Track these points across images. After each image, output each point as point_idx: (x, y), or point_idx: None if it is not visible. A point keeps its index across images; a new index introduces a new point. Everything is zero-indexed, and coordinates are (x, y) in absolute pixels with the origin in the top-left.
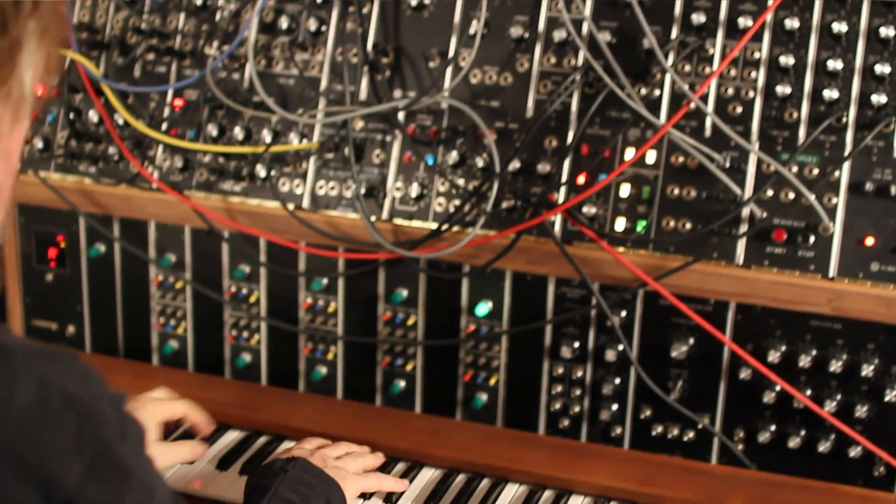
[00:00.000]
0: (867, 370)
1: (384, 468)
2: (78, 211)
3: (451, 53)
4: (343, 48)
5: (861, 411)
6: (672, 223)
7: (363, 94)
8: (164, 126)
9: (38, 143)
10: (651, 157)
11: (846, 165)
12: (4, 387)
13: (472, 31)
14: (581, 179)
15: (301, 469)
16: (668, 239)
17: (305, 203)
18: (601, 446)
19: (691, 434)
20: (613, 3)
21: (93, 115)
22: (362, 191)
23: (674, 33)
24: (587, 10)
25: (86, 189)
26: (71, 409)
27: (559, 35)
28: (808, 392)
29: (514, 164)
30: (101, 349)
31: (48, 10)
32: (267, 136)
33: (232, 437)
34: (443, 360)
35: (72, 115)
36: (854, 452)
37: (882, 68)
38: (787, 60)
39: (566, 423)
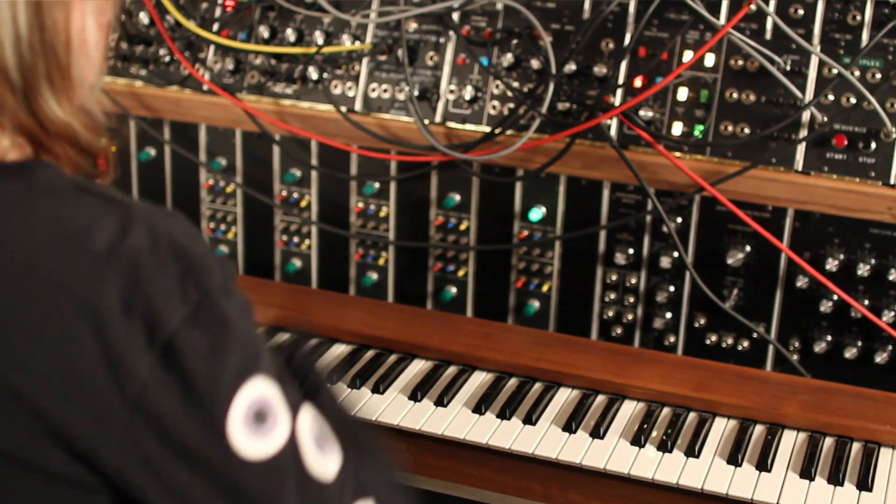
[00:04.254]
0: None
1: (435, 371)
2: (129, 114)
3: None
4: None
5: None
6: (730, 128)
7: None
8: (216, 27)
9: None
10: (710, 59)
11: None
12: (118, 230)
13: None
14: (638, 82)
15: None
16: (726, 143)
17: (358, 106)
18: (655, 352)
19: (746, 343)
20: None
21: (143, 17)
22: (415, 93)
23: None
24: None
25: (136, 92)
26: (178, 257)
27: None
28: (866, 302)
29: (570, 67)
30: None
31: None
32: (319, 37)
33: (282, 339)
34: (495, 266)
35: (122, 17)
36: None
37: None
38: None
39: (619, 330)
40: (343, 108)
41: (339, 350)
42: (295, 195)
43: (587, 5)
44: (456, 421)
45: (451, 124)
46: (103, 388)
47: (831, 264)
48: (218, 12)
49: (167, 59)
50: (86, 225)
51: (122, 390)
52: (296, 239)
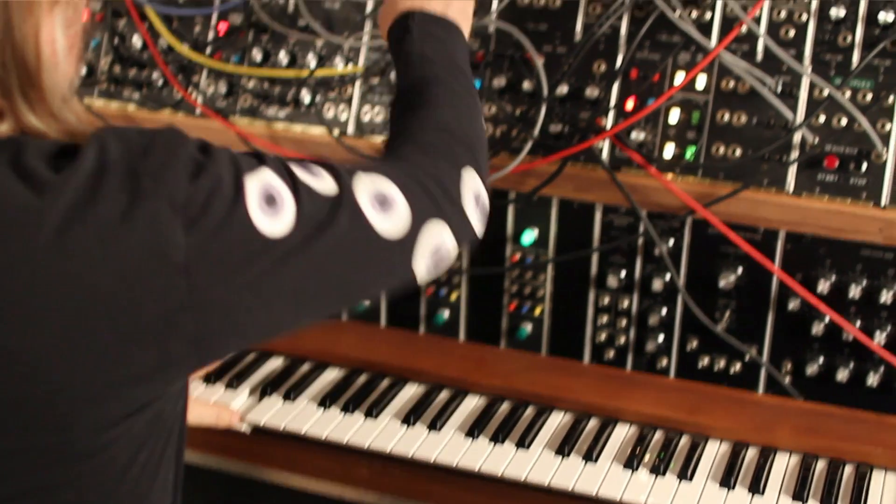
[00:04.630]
0: None
1: (428, 396)
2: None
3: None
4: None
5: None
6: (722, 149)
7: None
8: (209, 50)
9: (82, 70)
10: (701, 81)
11: None
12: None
13: None
14: (630, 104)
15: (422, 22)
16: (718, 165)
17: (350, 129)
18: (647, 375)
19: (738, 366)
20: None
21: (136, 41)
22: None
23: None
24: None
25: (129, 115)
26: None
27: None
28: (858, 323)
29: (562, 89)
30: None
31: None
32: (312, 60)
33: (275, 364)
34: (487, 290)
35: (115, 41)
36: None
37: None
38: None
39: (611, 353)
40: (336, 131)
41: (332, 375)
42: None
43: (579, 28)
44: (449, 446)
45: None
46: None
47: (823, 286)
48: (211, 35)
49: (160, 82)
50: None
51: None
52: None
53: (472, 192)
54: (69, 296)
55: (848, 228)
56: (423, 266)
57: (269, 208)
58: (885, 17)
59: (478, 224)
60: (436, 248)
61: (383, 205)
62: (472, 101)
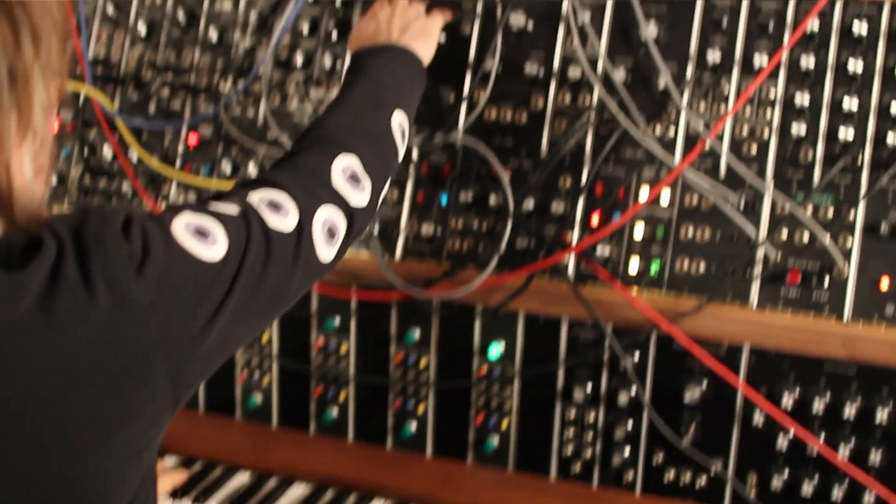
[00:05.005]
0: (882, 416)
1: None
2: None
3: (465, 91)
4: None
5: (875, 457)
6: (686, 264)
7: None
8: (179, 163)
9: (52, 179)
10: (665, 197)
11: (861, 206)
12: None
13: (487, 68)
14: (595, 219)
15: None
16: (682, 280)
17: None
18: (613, 493)
19: (704, 480)
20: (628, 41)
21: (107, 151)
22: (376, 230)
23: (689, 71)
24: (602, 47)
25: None
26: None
27: (574, 73)
28: (822, 437)
29: (529, 204)
30: None
31: (45, 31)
32: None
33: (241, 480)
34: (455, 403)
35: (86, 151)
36: (869, 499)
37: None
38: (802, 99)
39: (578, 467)
40: None
41: (298, 491)
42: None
43: (545, 143)
44: None
45: (411, 260)
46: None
47: (787, 400)
48: (181, 148)
49: (130, 193)
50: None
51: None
52: (257, 374)
53: (341, 171)
54: (54, 354)
55: (811, 343)
56: (321, 244)
57: (203, 239)
58: (845, 134)
59: (352, 194)
60: (325, 226)
61: (276, 207)
62: (380, 116)
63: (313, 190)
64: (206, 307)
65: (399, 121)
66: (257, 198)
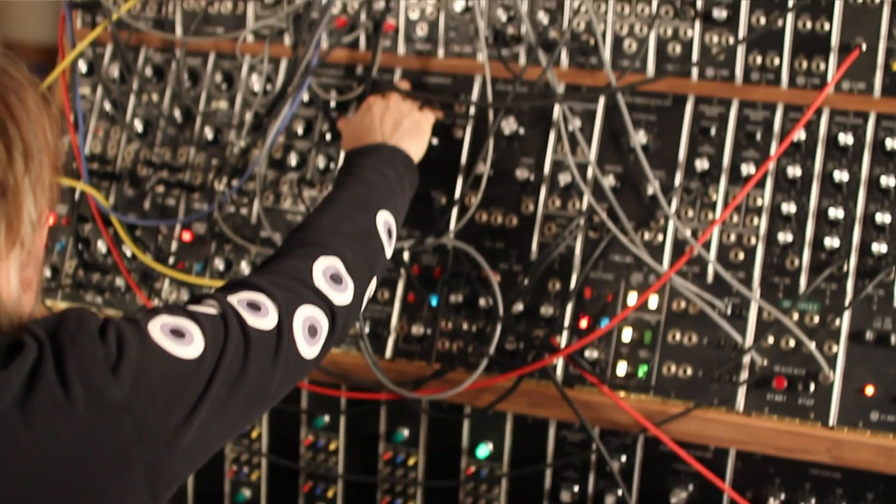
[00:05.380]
0: None
1: None
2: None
3: (457, 194)
4: None
5: None
6: (673, 368)
7: None
8: (172, 260)
9: (46, 272)
10: (653, 301)
11: (847, 314)
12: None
13: (478, 172)
14: (583, 323)
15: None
16: (669, 384)
17: None
18: None
19: None
20: (618, 148)
21: (101, 246)
22: (366, 330)
23: (677, 179)
24: (592, 154)
25: None
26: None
27: (564, 178)
28: None
29: (518, 307)
30: None
31: (36, 150)
32: None
33: None
34: (442, 502)
35: (80, 245)
36: None
37: (883, 217)
38: (788, 208)
39: None
40: None
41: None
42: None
43: (535, 246)
44: None
45: (401, 360)
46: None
47: None
48: (174, 245)
49: (123, 288)
50: None
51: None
52: (245, 469)
53: (321, 272)
54: (31, 452)
55: (797, 448)
56: (303, 342)
57: (179, 338)
58: (830, 242)
59: (334, 293)
60: (306, 324)
61: (255, 308)
62: (364, 216)
63: (294, 289)
64: (182, 404)
65: (385, 220)
66: (236, 299)
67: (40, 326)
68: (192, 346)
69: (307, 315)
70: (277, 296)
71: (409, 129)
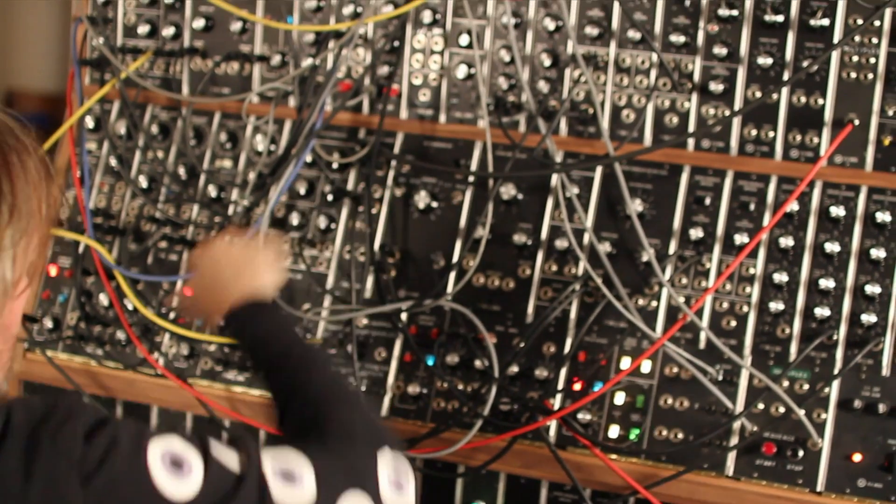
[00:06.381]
0: None
1: None
2: (82, 392)
3: (455, 257)
4: (351, 247)
5: None
6: (664, 432)
7: (368, 293)
8: (173, 314)
9: (48, 323)
10: (646, 366)
11: (836, 383)
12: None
13: (477, 235)
14: (577, 386)
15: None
16: (661, 448)
17: None
18: None
19: None
20: (614, 215)
21: (103, 299)
22: (363, 388)
23: (672, 247)
24: (588, 220)
25: (91, 370)
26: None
27: (561, 244)
28: None
29: (513, 369)
30: None
31: (25, 212)
32: None
33: None
34: None
35: (83, 298)
36: None
37: (872, 289)
38: (780, 278)
39: None
40: None
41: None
42: None
43: (530, 309)
44: None
45: (397, 419)
46: None
47: None
48: (176, 300)
49: (124, 341)
50: None
51: None
52: None
53: (387, 471)
54: None
55: None
56: None
57: (175, 471)
58: (821, 312)
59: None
60: None
61: (289, 478)
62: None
63: (352, 470)
64: None
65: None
66: (270, 465)
67: (24, 411)
68: (183, 485)
69: (355, 500)
70: (325, 474)
71: (250, 272)
